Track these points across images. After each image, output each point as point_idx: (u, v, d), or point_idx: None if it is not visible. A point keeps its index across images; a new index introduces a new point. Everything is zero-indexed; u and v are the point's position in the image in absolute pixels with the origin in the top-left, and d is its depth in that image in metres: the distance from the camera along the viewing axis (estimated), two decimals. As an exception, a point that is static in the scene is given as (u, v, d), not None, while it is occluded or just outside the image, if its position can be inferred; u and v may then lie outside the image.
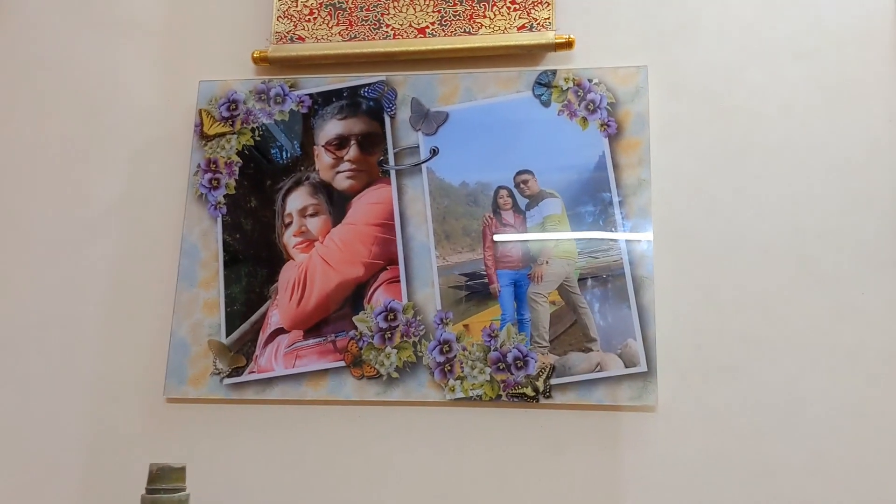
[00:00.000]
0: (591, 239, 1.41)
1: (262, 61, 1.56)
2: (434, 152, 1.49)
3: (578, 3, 1.53)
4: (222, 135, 1.54)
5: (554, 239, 1.42)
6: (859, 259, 1.36)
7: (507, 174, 1.46)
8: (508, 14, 1.53)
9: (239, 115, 1.55)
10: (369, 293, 1.43)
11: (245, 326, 1.44)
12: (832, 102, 1.43)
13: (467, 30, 1.53)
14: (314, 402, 1.41)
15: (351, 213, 1.48)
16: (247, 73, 1.59)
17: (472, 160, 1.48)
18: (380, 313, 1.42)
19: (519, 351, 1.37)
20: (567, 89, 1.48)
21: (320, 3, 1.58)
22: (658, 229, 1.41)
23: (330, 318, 1.43)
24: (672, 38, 1.50)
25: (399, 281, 1.43)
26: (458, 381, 1.37)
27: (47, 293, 1.53)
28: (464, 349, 1.38)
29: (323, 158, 1.51)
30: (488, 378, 1.37)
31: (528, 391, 1.35)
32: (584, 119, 1.47)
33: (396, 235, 1.46)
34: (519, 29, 1.52)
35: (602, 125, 1.46)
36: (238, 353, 1.43)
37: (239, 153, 1.53)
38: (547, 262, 1.41)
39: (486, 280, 1.42)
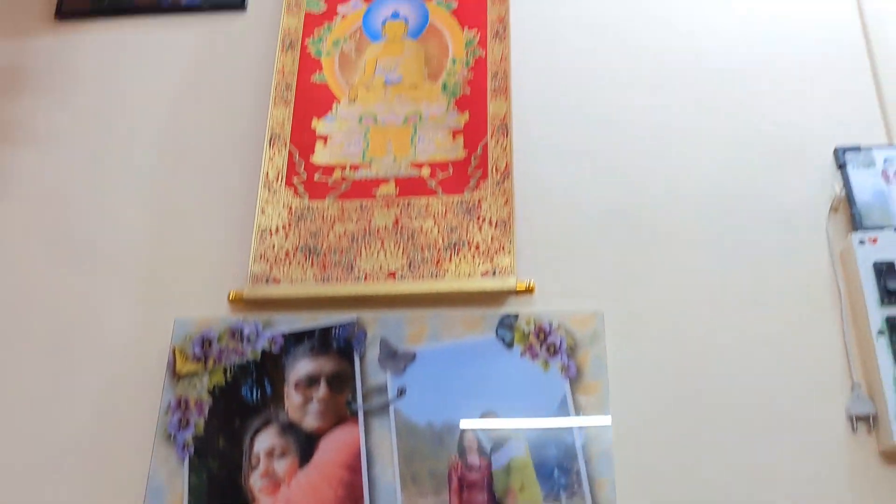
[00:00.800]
0: (553, 484, 1.43)
1: (238, 301, 1.63)
2: (401, 392, 1.54)
3: (538, 252, 1.64)
4: (194, 373, 1.58)
5: (518, 482, 1.44)
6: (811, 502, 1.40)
7: (473, 414, 1.50)
8: (472, 260, 1.63)
9: (212, 353, 1.60)
10: (334, 539, 1.43)
11: (206, 576, 1.42)
12: (778, 347, 1.51)
13: (434, 274, 1.63)
14: None
15: (318, 454, 1.50)
16: (222, 312, 1.65)
17: (438, 400, 1.52)
18: (344, 561, 1.41)
19: None
20: (528, 332, 1.56)
21: (296, 247, 1.68)
22: (620, 471, 1.44)
23: (294, 566, 1.41)
24: (626, 284, 1.60)
25: (365, 526, 1.43)
26: None
27: (4, 537, 1.50)
28: None
29: (293, 398, 1.55)
30: None
31: None
32: (546, 361, 1.53)
33: (363, 477, 1.47)
34: (483, 275, 1.61)
35: (562, 368, 1.52)
36: None
37: (210, 392, 1.56)
38: (512, 507, 1.43)
39: (452, 525, 1.42)
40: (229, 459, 1.51)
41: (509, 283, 1.59)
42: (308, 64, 1.86)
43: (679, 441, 1.46)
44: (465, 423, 1.50)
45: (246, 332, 1.61)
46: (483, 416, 1.50)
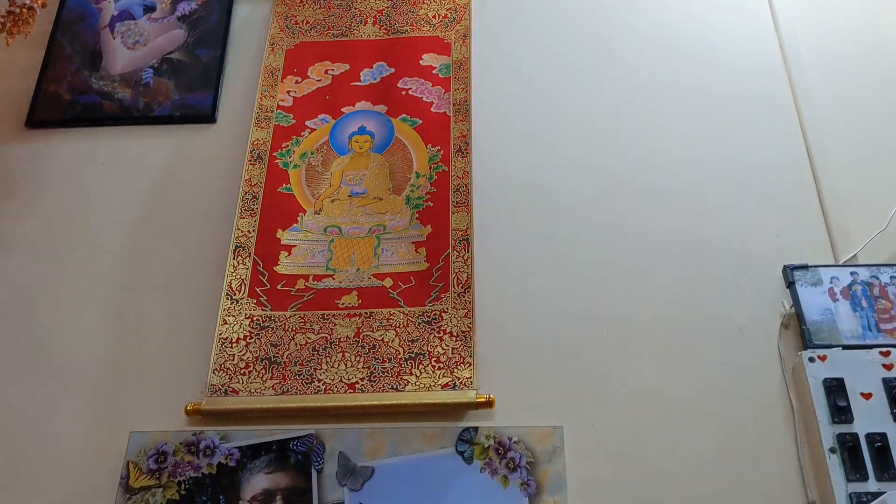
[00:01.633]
0: None
1: (195, 413, 1.62)
2: (359, 509, 1.52)
3: (497, 365, 1.66)
4: (147, 488, 1.55)
5: None
6: None
7: (431, 531, 1.49)
8: (433, 372, 1.64)
9: (167, 467, 1.57)
10: None
11: None
12: (735, 470, 1.52)
13: (395, 386, 1.63)
14: None
15: (272, 575, 1.46)
16: (179, 425, 1.63)
17: (396, 517, 1.50)
18: None
19: None
20: (488, 447, 1.56)
21: (256, 357, 1.68)
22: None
23: None
24: (585, 400, 1.61)
25: None
26: None
27: None
28: None
29: (247, 515, 1.52)
30: None
31: None
32: (505, 478, 1.53)
33: None
34: (443, 387, 1.62)
35: (522, 484, 1.52)
36: None
37: (162, 508, 1.53)
38: None
39: None
40: (179, 580, 1.46)
41: (469, 395, 1.60)
42: (275, 175, 1.90)
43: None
44: (422, 542, 1.47)
45: (202, 445, 1.59)
46: (441, 533, 1.48)
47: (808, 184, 1.81)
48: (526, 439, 1.56)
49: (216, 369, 1.66)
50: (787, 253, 1.70)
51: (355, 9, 2.16)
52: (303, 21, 2.15)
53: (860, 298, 1.60)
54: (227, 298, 1.73)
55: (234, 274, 1.77)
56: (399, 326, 1.69)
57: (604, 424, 1.59)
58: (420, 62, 2.03)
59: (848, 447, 1.44)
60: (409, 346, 1.67)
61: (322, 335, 1.70)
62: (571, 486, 1.52)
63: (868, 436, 1.45)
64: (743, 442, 1.54)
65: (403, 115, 1.96)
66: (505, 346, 1.68)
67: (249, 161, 1.92)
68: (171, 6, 2.19)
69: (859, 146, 1.85)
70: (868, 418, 1.47)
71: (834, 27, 2.03)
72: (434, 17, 2.11)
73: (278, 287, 1.75)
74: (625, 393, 1.62)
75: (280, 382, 1.65)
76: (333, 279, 1.76)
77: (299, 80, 2.04)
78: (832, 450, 1.44)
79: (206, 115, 2.02)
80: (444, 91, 1.97)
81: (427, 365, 1.65)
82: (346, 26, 2.13)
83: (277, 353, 1.68)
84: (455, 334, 1.67)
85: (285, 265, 1.78)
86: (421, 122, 1.95)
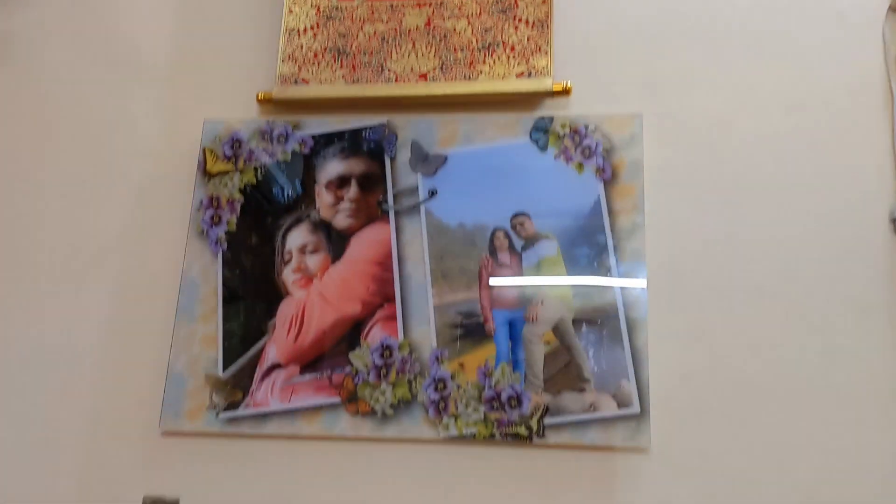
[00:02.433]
0: (585, 282, 1.43)
1: (267, 102, 1.60)
2: (432, 193, 1.52)
3: (576, 52, 1.58)
4: (225, 173, 1.57)
5: (549, 282, 1.44)
6: (849, 303, 1.38)
7: (504, 216, 1.49)
8: (508, 61, 1.57)
9: (242, 154, 1.58)
10: (366, 330, 1.45)
11: (242, 361, 1.46)
12: (822, 152, 1.46)
13: (467, 75, 1.58)
14: (309, 437, 1.41)
15: (350, 251, 1.50)
16: (251, 114, 1.62)
17: (469, 202, 1.51)
18: (376, 350, 1.43)
19: (513, 390, 1.38)
20: (564, 135, 1.52)
21: (325, 48, 1.63)
22: (652, 272, 1.43)
23: (326, 355, 1.44)
24: (666, 87, 1.54)
25: (395, 319, 1.45)
26: (453, 419, 1.38)
27: (47, 325, 1.54)
28: (458, 387, 1.40)
29: (324, 197, 1.54)
30: (482, 417, 1.38)
31: (522, 430, 1.36)
32: (580, 164, 1.50)
33: (394, 274, 1.48)
34: (518, 76, 1.56)
35: (597, 171, 1.49)
36: (234, 388, 1.44)
37: (241, 191, 1.56)
38: (542, 303, 1.43)
39: (482, 319, 1.43)
40: (262, 255, 1.52)
41: (545, 84, 1.54)
42: None
43: (714, 240, 1.45)
44: (496, 224, 1.48)
45: (275, 133, 1.59)
46: (514, 217, 1.49)
47: None
48: (603, 127, 1.51)
49: (285, 59, 1.62)
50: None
51: None
52: None
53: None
54: (292, -13, 1.65)
55: (297, -39, 1.67)
56: (472, 15, 1.61)
57: (685, 111, 1.52)
58: None
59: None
60: (482, 35, 1.59)
61: (391, 25, 1.62)
62: (649, 173, 1.48)
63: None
64: (833, 126, 1.47)
65: None
66: (584, 33, 1.59)
67: None
68: None
69: None
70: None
71: None
72: None
73: (344, -24, 1.66)
74: (709, 80, 1.53)
75: (350, 72, 1.60)
76: (401, -32, 1.65)
77: None
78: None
79: None
80: None
81: (501, 54, 1.58)
82: None
83: (346, 43, 1.62)
84: (531, 22, 1.58)
85: (350, -47, 1.68)
86: None
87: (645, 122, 1.51)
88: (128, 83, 1.69)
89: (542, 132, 1.53)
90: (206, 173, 1.58)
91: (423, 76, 1.59)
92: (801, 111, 1.49)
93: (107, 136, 1.66)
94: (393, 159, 1.55)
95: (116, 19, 1.74)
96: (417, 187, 1.53)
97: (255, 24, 1.68)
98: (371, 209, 1.53)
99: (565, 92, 1.54)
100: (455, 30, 1.61)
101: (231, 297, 1.49)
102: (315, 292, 1.48)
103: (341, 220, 1.53)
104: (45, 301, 1.56)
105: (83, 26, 1.75)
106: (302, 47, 1.63)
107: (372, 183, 1.54)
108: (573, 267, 1.44)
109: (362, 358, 1.43)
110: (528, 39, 1.58)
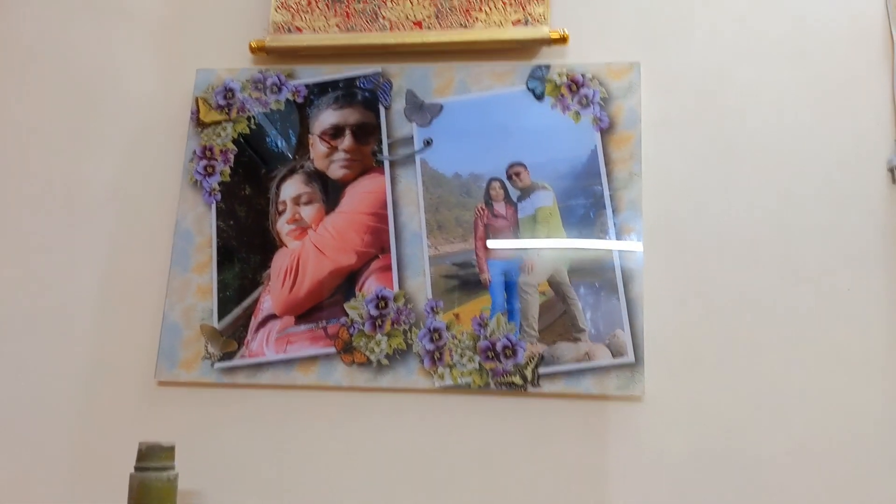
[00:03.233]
0: (581, 231, 1.42)
1: (260, 51, 1.58)
2: (427, 143, 1.51)
3: (573, 0, 1.55)
4: (218, 123, 1.56)
5: (545, 231, 1.43)
6: (846, 256, 1.38)
7: (500, 166, 1.48)
8: (504, 9, 1.54)
9: (235, 103, 1.56)
10: (361, 281, 1.45)
11: (237, 311, 1.45)
12: (821, 102, 1.45)
13: (463, 23, 1.55)
14: (304, 387, 1.42)
15: (344, 201, 1.49)
16: (244, 63, 1.60)
17: (465, 152, 1.50)
18: (371, 301, 1.43)
19: (508, 340, 1.38)
20: (560, 84, 1.50)
21: (318, -5, 1.60)
22: (648, 222, 1.43)
23: (322, 305, 1.44)
24: (665, 36, 1.52)
25: (391, 269, 1.45)
26: (448, 369, 1.38)
27: (42, 275, 1.54)
28: (454, 337, 1.40)
29: (318, 147, 1.53)
30: (477, 366, 1.38)
31: (517, 380, 1.36)
32: (577, 113, 1.48)
33: (389, 224, 1.47)
34: (514, 23, 1.53)
35: (594, 120, 1.48)
36: (230, 338, 1.44)
37: (234, 141, 1.54)
38: (538, 254, 1.43)
39: (477, 270, 1.43)
40: (256, 205, 1.51)
41: (542, 31, 1.52)
42: None
43: (711, 189, 1.44)
44: (492, 173, 1.47)
45: (269, 82, 1.57)
46: (511, 167, 1.48)
47: None
48: (600, 76, 1.49)
49: (278, 7, 1.59)
50: None
51: None
52: None
53: None
54: (284, -68, 1.62)
55: None
56: (467, -39, 1.58)
57: (684, 60, 1.50)
58: None
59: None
60: (478, -19, 1.56)
61: (386, -29, 1.59)
62: (646, 122, 1.47)
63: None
64: (833, 78, 1.45)
65: None
66: (582, -21, 1.57)
67: None
68: None
69: None
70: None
71: None
72: None
73: (337, -79, 1.63)
74: (708, 29, 1.51)
75: (344, 20, 1.58)
76: (396, -88, 1.62)
77: None
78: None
79: None
80: None
81: (497, 1, 1.55)
82: None
83: (340, -10, 1.59)
84: (528, -32, 1.55)
85: None
86: None
87: (643, 71, 1.49)
88: (120, 31, 1.67)
89: (538, 80, 1.51)
90: (199, 123, 1.56)
91: (418, 24, 1.56)
92: (800, 60, 1.47)
93: (99, 86, 1.64)
94: (387, 109, 1.53)
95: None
96: (412, 137, 1.52)
97: (247, -29, 1.65)
98: (366, 159, 1.51)
99: (562, 40, 1.52)
100: (451, -24, 1.58)
101: (225, 248, 1.49)
102: (309, 243, 1.47)
103: (336, 171, 1.51)
104: (39, 251, 1.55)
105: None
106: (295, -6, 1.60)
107: (366, 133, 1.53)
108: (569, 217, 1.44)
109: (358, 309, 1.43)
110: (525, -14, 1.55)
